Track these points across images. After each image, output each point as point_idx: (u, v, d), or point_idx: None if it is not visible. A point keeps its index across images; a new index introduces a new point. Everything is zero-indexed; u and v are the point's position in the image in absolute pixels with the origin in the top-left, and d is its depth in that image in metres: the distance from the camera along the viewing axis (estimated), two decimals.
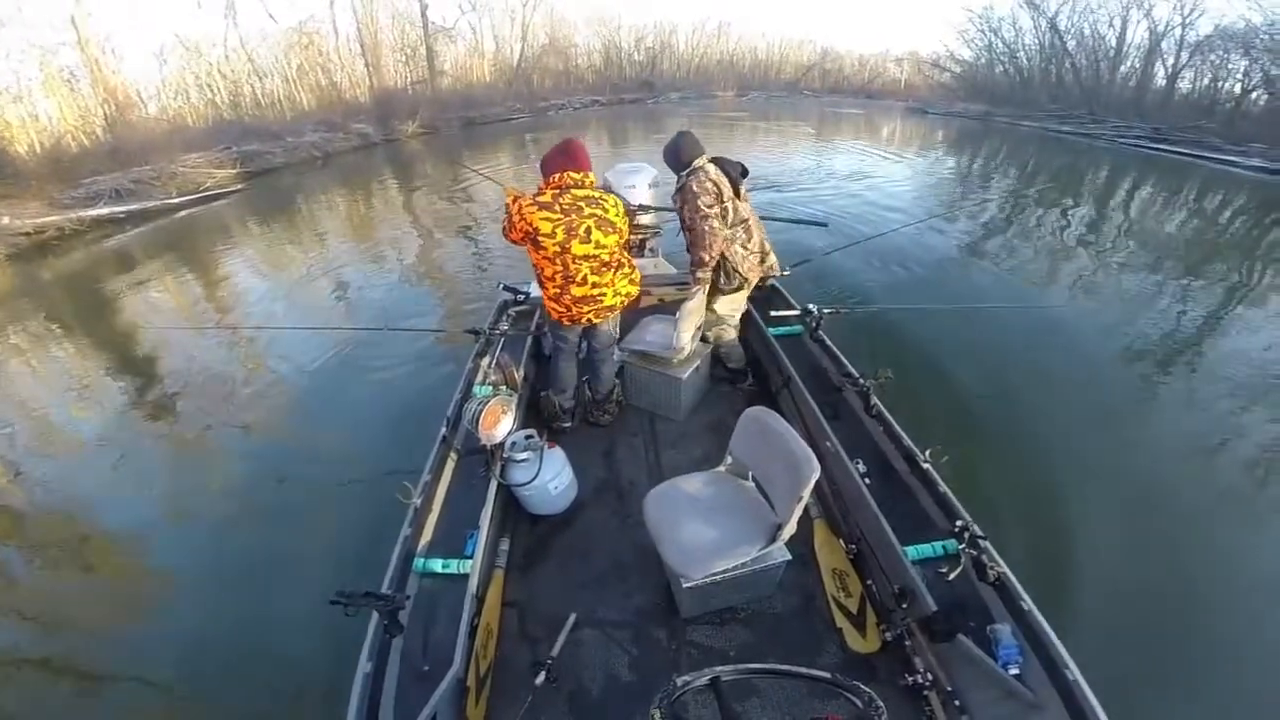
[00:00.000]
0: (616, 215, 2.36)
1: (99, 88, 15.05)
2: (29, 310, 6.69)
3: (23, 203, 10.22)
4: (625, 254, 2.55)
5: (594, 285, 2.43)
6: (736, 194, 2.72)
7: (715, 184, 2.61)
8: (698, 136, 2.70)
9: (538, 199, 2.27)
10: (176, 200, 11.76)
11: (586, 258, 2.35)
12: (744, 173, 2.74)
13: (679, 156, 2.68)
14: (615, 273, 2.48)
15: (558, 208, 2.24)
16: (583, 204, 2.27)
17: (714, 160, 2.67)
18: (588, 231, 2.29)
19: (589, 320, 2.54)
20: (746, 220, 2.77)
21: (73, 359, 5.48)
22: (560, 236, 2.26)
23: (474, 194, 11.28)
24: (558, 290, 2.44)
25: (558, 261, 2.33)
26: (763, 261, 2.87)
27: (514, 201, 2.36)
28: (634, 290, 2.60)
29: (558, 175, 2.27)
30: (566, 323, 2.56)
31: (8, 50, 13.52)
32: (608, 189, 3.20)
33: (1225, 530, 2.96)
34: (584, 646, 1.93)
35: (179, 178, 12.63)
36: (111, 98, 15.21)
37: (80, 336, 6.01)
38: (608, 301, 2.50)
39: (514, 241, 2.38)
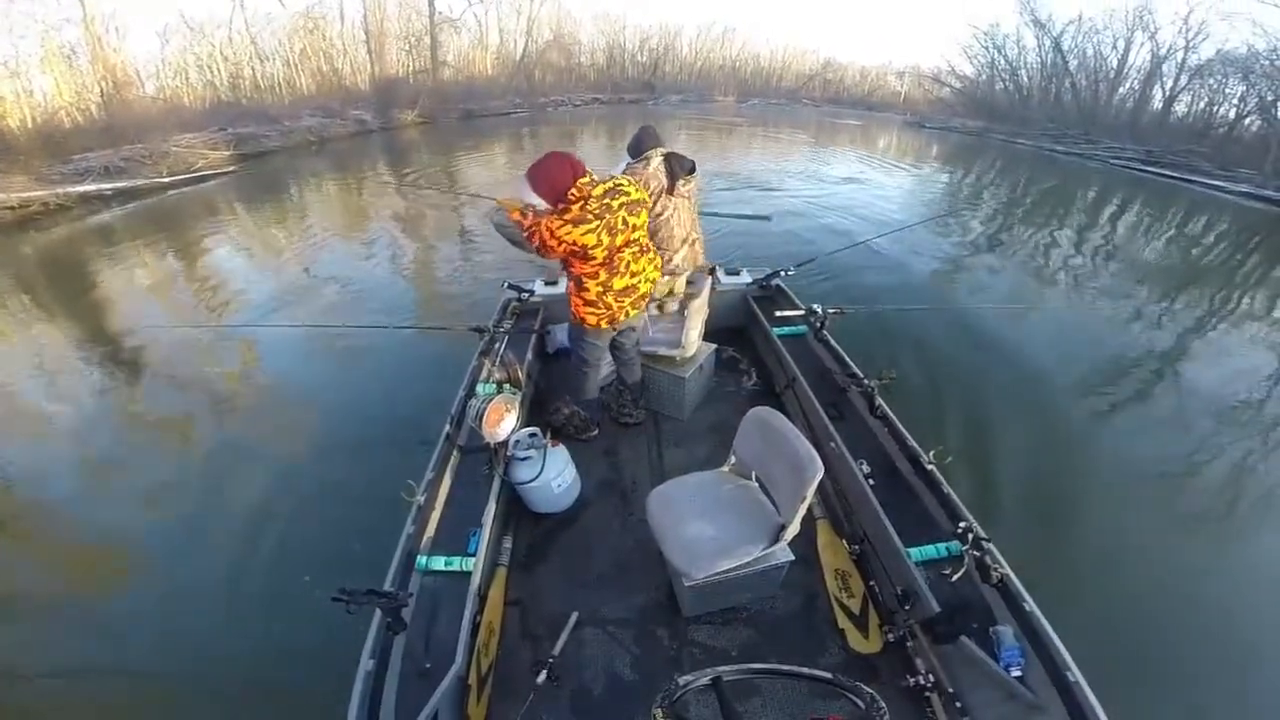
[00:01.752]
0: (636, 190, 2.30)
1: (98, 65, 14.77)
2: (3, 284, 6.54)
3: (8, 176, 10.02)
4: (647, 236, 2.47)
5: (633, 274, 2.38)
6: (671, 189, 2.77)
7: (649, 178, 2.73)
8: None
9: (567, 218, 2.13)
10: (166, 179, 11.61)
11: (628, 244, 2.31)
12: (691, 169, 2.80)
13: (639, 149, 2.78)
14: (646, 257, 2.43)
15: (591, 217, 2.14)
16: (608, 200, 2.18)
17: (667, 155, 2.75)
18: (624, 221, 2.24)
19: (626, 314, 2.45)
20: (662, 217, 2.82)
21: (58, 342, 5.36)
22: (606, 240, 2.19)
23: (471, 188, 11.23)
24: (601, 288, 2.34)
25: (605, 263, 2.27)
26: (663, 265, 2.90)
27: (526, 217, 2.23)
28: (658, 276, 2.55)
29: (574, 190, 2.14)
30: (605, 325, 2.45)
31: (10, 24, 13.27)
32: None
33: (1225, 532, 3.04)
34: (586, 645, 1.92)
35: (171, 157, 12.45)
36: (110, 75, 14.93)
37: (62, 319, 5.85)
38: (643, 289, 2.45)
39: (551, 258, 2.27)
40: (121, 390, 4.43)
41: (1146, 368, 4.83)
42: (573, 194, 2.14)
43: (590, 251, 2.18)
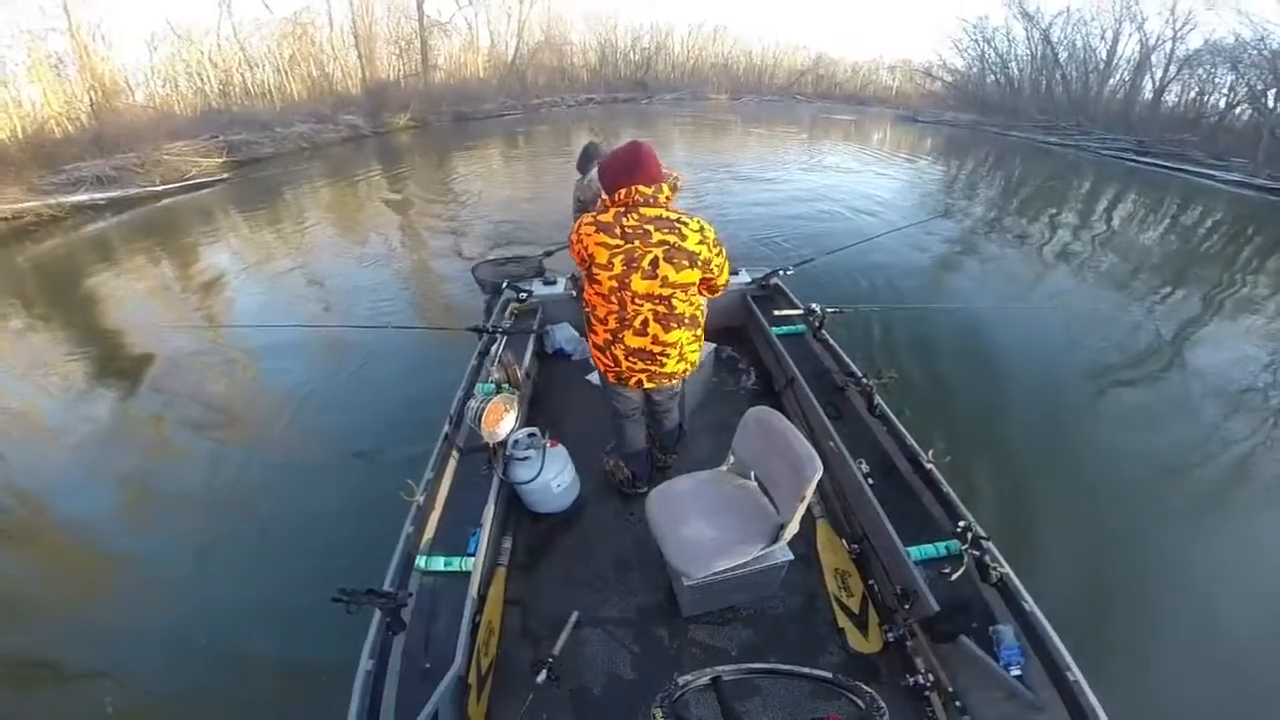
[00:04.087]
0: (699, 244, 1.78)
1: (86, 74, 14.78)
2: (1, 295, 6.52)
3: (1, 188, 9.99)
4: (700, 305, 1.99)
5: (654, 340, 1.91)
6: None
7: (586, 189, 3.06)
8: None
9: (599, 217, 1.79)
10: (160, 188, 11.59)
11: (649, 297, 1.83)
12: None
13: (586, 164, 3.12)
14: (686, 331, 1.93)
15: (618, 230, 1.75)
16: (651, 227, 1.75)
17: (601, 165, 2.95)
18: (653, 264, 1.77)
19: (640, 382, 2.03)
20: None
21: (55, 350, 5.32)
22: (618, 269, 1.78)
23: (470, 186, 11.23)
24: (609, 336, 1.94)
25: (613, 299, 1.85)
26: None
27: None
28: (697, 357, 2.07)
29: (624, 191, 1.75)
30: (612, 380, 2.08)
31: None
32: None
33: (1228, 527, 3.04)
34: (586, 645, 1.92)
35: (163, 165, 12.43)
36: (98, 84, 14.92)
37: (61, 328, 5.83)
38: (669, 368, 1.97)
39: (574, 258, 1.96)
40: (118, 395, 4.41)
41: (1145, 362, 4.84)
42: (620, 195, 1.77)
43: (595, 269, 1.80)
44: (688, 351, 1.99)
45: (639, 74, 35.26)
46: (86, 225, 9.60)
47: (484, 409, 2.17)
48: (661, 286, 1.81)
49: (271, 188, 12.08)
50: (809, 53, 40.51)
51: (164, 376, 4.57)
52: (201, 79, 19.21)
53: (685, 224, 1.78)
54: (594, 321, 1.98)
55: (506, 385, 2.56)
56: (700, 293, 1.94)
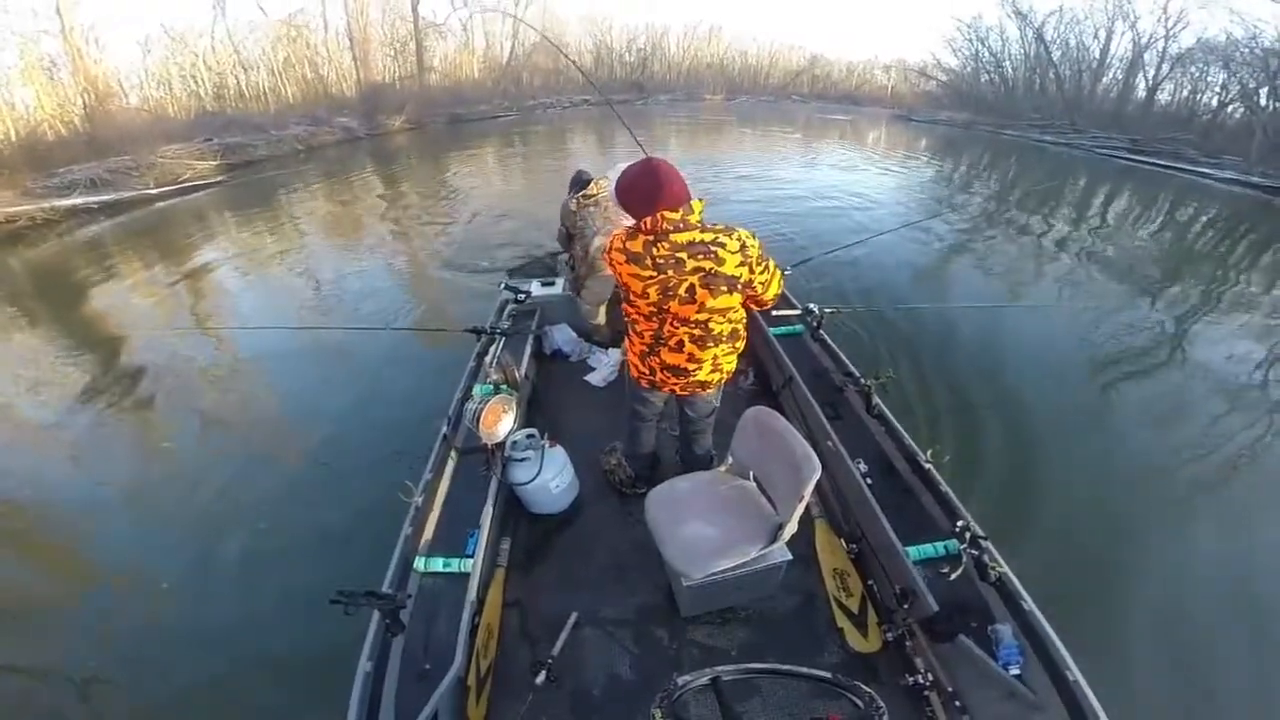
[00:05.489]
0: (739, 266, 1.67)
1: (79, 77, 14.69)
2: None
3: None
4: (741, 318, 1.91)
5: (690, 357, 1.89)
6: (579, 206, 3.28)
7: (569, 205, 3.30)
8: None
9: (628, 246, 1.69)
10: (154, 191, 11.55)
11: (686, 321, 1.79)
12: (584, 186, 3.28)
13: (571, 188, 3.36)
14: (723, 346, 1.89)
15: (649, 261, 1.66)
16: (684, 255, 1.64)
17: (580, 186, 3.26)
18: (690, 291, 1.70)
19: (673, 391, 2.05)
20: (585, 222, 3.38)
21: (50, 352, 5.30)
22: (654, 298, 1.73)
23: (466, 187, 11.22)
24: (645, 349, 1.95)
25: (653, 319, 1.84)
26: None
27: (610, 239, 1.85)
28: (733, 365, 2.03)
29: (649, 220, 1.64)
30: (645, 385, 2.09)
31: None
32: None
33: (1225, 523, 3.04)
34: (585, 646, 1.92)
35: (157, 168, 12.38)
36: (92, 87, 14.83)
37: (55, 332, 5.79)
38: (701, 377, 1.96)
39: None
40: (112, 398, 4.38)
41: (1142, 361, 4.85)
42: (646, 224, 1.65)
43: (633, 298, 1.79)
44: (723, 362, 1.96)
45: (635, 75, 35.29)
46: (80, 229, 9.55)
47: (482, 410, 2.17)
48: (699, 312, 1.76)
49: (266, 190, 12.03)
50: (804, 53, 40.67)
51: (158, 380, 4.55)
52: (195, 81, 19.17)
53: (723, 245, 1.65)
54: (633, 334, 1.97)
55: (505, 386, 2.56)
56: (746, 307, 1.88)
